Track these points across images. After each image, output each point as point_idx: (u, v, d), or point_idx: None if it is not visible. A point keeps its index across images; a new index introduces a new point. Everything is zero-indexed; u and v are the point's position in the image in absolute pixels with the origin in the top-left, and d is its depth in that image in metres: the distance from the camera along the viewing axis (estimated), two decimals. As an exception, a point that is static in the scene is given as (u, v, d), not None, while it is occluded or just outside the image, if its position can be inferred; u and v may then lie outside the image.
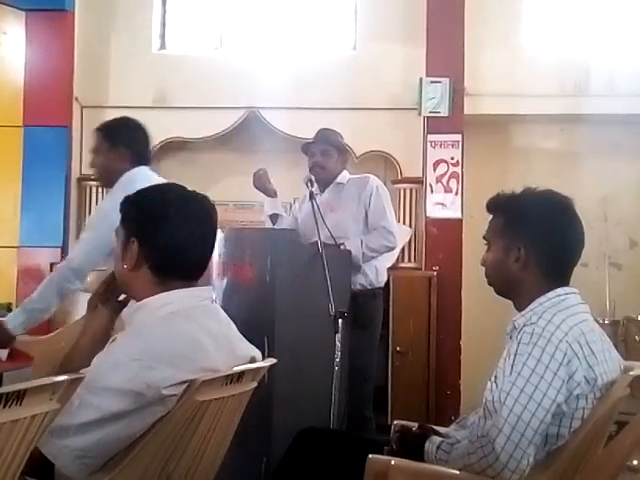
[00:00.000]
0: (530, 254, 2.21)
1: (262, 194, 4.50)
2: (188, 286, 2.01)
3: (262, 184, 4.45)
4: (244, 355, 2.07)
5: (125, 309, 2.04)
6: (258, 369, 2.06)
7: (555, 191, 2.29)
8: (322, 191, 4.42)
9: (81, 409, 1.76)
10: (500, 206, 2.29)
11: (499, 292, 2.32)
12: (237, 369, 1.95)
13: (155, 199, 2.04)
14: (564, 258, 2.24)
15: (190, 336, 1.91)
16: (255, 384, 2.07)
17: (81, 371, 1.79)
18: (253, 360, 2.09)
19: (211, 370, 1.88)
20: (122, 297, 2.17)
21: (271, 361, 2.11)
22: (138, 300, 2.01)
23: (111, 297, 2.17)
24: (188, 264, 2.03)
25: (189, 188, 2.10)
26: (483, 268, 2.33)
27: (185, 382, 1.80)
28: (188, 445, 1.86)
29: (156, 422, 1.80)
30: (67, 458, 1.77)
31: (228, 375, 1.89)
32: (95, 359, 1.87)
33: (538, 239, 2.21)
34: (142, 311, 1.98)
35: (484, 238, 2.34)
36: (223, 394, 1.89)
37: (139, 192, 2.08)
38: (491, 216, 2.34)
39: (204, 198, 2.07)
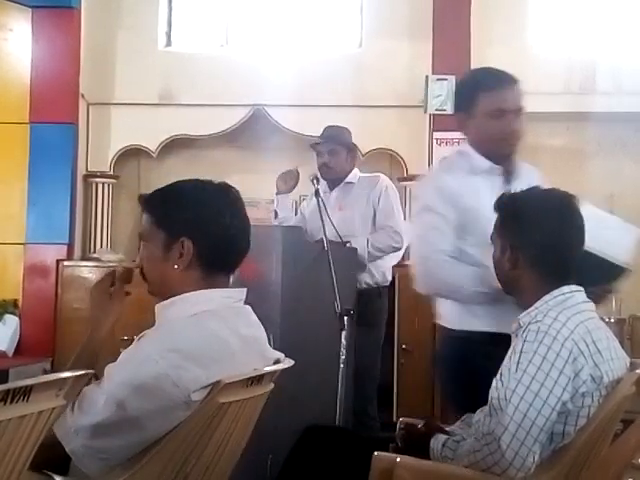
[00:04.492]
0: (519, 254, 2.24)
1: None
2: (227, 278, 1.99)
3: (294, 185, 4.47)
4: (271, 357, 2.06)
5: (158, 304, 2.00)
6: (276, 370, 2.05)
7: (557, 189, 2.30)
8: (331, 189, 4.42)
9: (106, 406, 1.74)
10: (498, 206, 2.33)
11: (504, 291, 2.36)
12: (260, 371, 1.93)
13: (200, 195, 1.98)
14: (558, 257, 2.24)
15: (219, 338, 1.89)
16: (272, 385, 2.06)
17: (107, 366, 1.79)
18: (277, 362, 2.07)
19: (237, 373, 1.85)
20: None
21: (290, 362, 2.10)
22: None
23: (121, 288, 2.12)
24: (236, 256, 2.01)
25: None
26: (489, 266, 2.36)
27: (212, 385, 1.78)
28: (207, 446, 1.85)
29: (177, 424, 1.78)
30: (90, 458, 1.76)
31: (250, 377, 1.87)
32: (122, 354, 1.85)
33: (526, 239, 2.23)
34: (175, 307, 1.94)
35: (490, 238, 2.37)
36: (244, 396, 1.88)
37: (172, 190, 2.02)
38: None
39: (232, 186, 2.04)
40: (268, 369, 1.99)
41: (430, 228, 2.65)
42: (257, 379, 1.91)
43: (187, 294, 1.94)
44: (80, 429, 1.72)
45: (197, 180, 2.05)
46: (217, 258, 1.97)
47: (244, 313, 2.05)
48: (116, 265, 2.39)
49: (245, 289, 2.06)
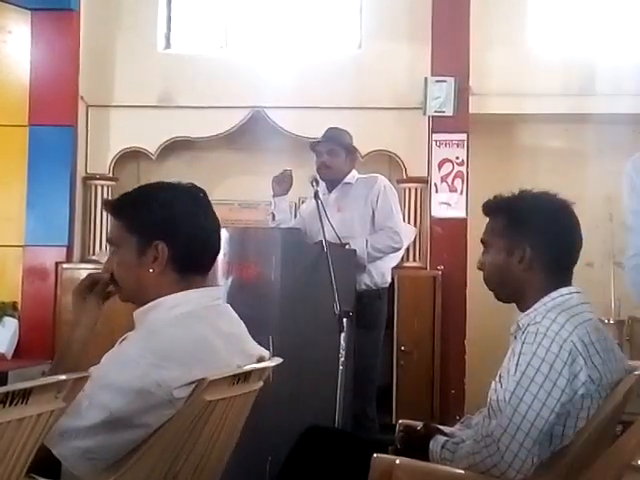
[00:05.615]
0: (535, 254, 2.21)
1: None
2: (204, 279, 2.00)
3: (288, 187, 4.47)
4: (254, 354, 2.06)
5: (136, 311, 2.01)
6: (264, 368, 2.06)
7: (551, 192, 2.30)
8: (330, 191, 4.42)
9: (90, 409, 1.75)
10: (500, 207, 2.30)
11: (500, 296, 2.31)
12: (245, 368, 1.93)
13: (171, 197, 1.98)
14: (566, 258, 2.25)
15: (202, 337, 1.90)
16: (261, 384, 2.06)
17: (90, 369, 1.79)
18: (261, 359, 2.07)
19: (222, 371, 1.87)
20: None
21: (278, 360, 2.10)
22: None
23: (104, 288, 2.09)
24: (210, 257, 2.02)
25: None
26: (488, 268, 2.34)
27: (195, 382, 1.78)
28: (195, 445, 1.85)
29: (164, 422, 1.79)
30: (78, 459, 1.76)
31: (235, 375, 1.88)
32: (105, 357, 1.86)
33: (543, 239, 2.22)
34: (155, 311, 1.95)
35: (482, 241, 2.35)
36: (231, 394, 1.88)
37: (142, 194, 2.02)
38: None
39: (200, 188, 2.04)
40: (255, 367, 1.98)
41: (624, 229, 2.43)
42: (244, 377, 1.91)
43: (165, 297, 1.94)
44: (64, 432, 1.72)
45: (164, 182, 2.06)
46: (192, 260, 1.97)
47: (224, 311, 2.06)
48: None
49: (222, 287, 2.07)
